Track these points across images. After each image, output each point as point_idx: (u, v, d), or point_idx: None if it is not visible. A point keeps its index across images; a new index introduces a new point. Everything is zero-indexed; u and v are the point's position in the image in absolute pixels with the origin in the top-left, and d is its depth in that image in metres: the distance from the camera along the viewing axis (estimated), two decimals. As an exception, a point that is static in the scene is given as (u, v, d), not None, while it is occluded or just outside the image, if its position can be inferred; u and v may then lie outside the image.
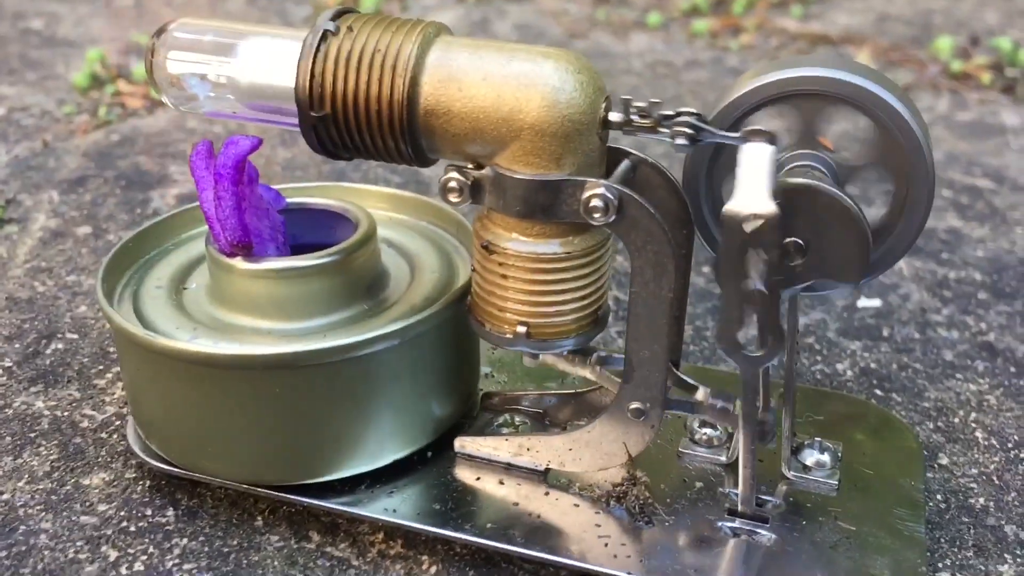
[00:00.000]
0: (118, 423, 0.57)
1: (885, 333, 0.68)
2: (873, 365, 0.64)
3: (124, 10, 1.31)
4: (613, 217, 0.43)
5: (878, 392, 0.62)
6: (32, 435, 0.56)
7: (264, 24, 0.46)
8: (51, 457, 0.54)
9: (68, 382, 0.60)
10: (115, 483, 0.53)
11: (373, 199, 0.60)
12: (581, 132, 0.43)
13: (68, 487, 0.53)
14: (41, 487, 0.52)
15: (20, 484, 0.52)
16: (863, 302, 0.71)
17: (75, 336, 0.65)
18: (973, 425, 0.59)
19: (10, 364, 0.61)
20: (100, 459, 0.55)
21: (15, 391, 0.59)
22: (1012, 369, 0.64)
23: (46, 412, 0.58)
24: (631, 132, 0.44)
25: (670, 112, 0.44)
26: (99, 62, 1.07)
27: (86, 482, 0.53)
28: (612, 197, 0.43)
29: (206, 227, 0.50)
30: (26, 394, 0.59)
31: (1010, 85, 1.12)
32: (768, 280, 0.41)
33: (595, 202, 0.43)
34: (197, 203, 0.52)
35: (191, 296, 0.52)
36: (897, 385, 0.62)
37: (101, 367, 0.62)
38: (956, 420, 0.59)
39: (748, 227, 0.40)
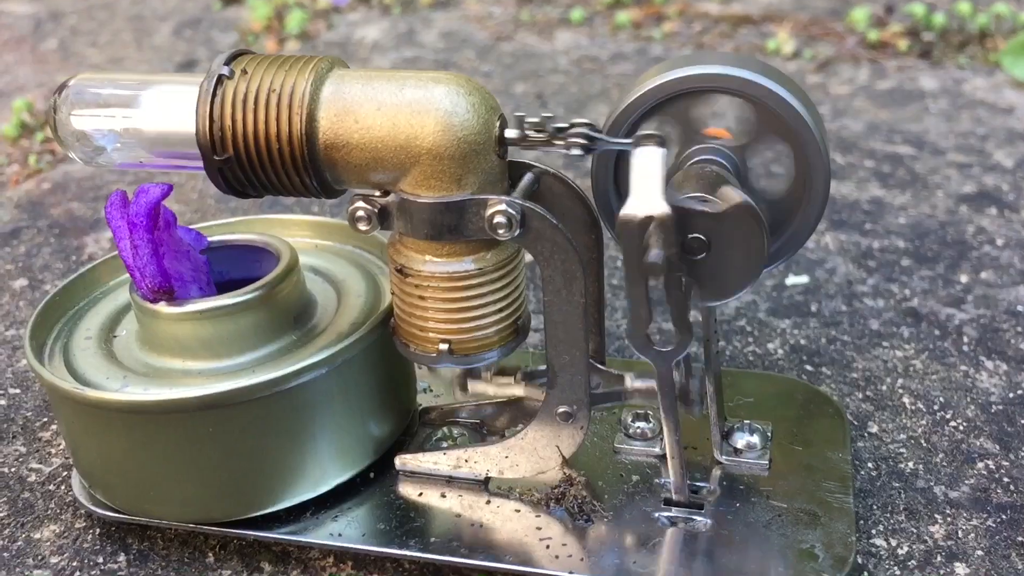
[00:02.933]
0: (65, 474, 0.58)
1: (813, 308, 0.70)
2: (803, 341, 0.66)
3: (49, 54, 1.30)
4: (518, 231, 0.44)
5: (808, 368, 0.64)
6: (-20, 495, 0.56)
7: (164, 72, 0.47)
8: (0, 514, 0.55)
9: (13, 437, 0.61)
10: (65, 534, 0.54)
11: (296, 228, 0.61)
12: (478, 152, 0.44)
13: (20, 542, 0.53)
14: (-8, 546, 0.53)
15: (-30, 545, 0.53)
16: (791, 279, 0.73)
17: (17, 391, 0.65)
18: (900, 391, 0.61)
19: (-47, 426, 0.62)
20: (49, 512, 0.55)
21: (-40, 452, 0.60)
22: (936, 332, 0.66)
23: (-7, 470, 0.58)
24: (528, 147, 0.45)
25: (563, 124, 0.45)
26: (27, 110, 1.07)
27: (37, 536, 0.54)
28: (514, 212, 0.44)
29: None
30: (-29, 454, 0.60)
31: (926, 50, 1.14)
32: (669, 278, 0.42)
33: (498, 218, 0.44)
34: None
35: (121, 344, 0.53)
36: (826, 359, 0.64)
37: (45, 419, 0.62)
38: (884, 388, 0.61)
39: (644, 229, 0.42)
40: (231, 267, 0.55)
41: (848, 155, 0.92)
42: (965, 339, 0.65)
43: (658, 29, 1.26)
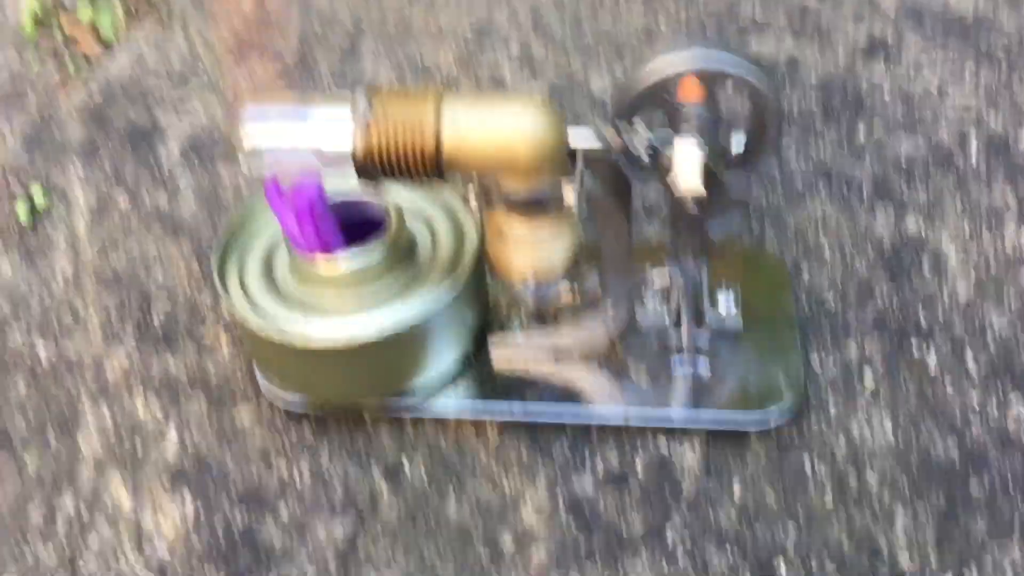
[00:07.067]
0: (239, 364, 0.79)
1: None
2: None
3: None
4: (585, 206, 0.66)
5: (756, 227, 0.87)
6: (179, 389, 0.78)
7: (319, 96, 0.65)
8: (203, 403, 0.77)
9: (183, 339, 0.81)
10: (259, 413, 0.76)
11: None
12: (556, 155, 0.64)
13: (226, 423, 0.75)
14: (208, 428, 0.75)
15: (193, 430, 0.75)
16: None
17: (165, 299, 0.84)
18: (823, 242, 0.85)
19: (134, 341, 0.82)
20: (239, 397, 0.77)
21: (149, 355, 0.80)
22: (845, 189, 0.90)
23: (183, 367, 0.79)
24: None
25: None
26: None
27: (238, 417, 0.76)
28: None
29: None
30: (158, 358, 0.80)
31: None
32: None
33: (569, 196, 0.65)
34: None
35: (282, 280, 0.73)
36: (769, 220, 0.88)
37: (199, 320, 0.82)
38: (810, 240, 0.85)
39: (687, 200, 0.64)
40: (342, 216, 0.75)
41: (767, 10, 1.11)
42: (864, 192, 0.89)
43: None
